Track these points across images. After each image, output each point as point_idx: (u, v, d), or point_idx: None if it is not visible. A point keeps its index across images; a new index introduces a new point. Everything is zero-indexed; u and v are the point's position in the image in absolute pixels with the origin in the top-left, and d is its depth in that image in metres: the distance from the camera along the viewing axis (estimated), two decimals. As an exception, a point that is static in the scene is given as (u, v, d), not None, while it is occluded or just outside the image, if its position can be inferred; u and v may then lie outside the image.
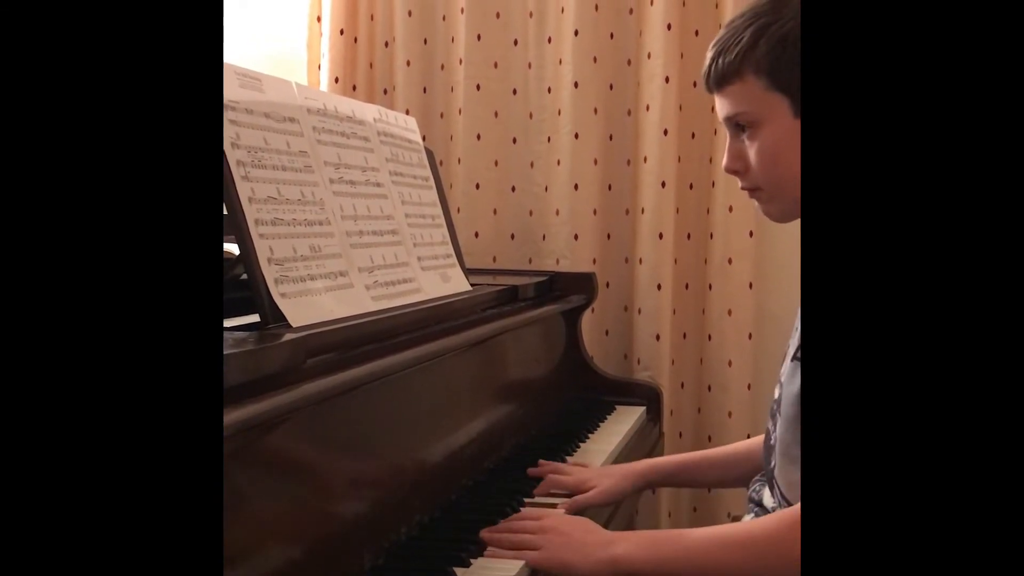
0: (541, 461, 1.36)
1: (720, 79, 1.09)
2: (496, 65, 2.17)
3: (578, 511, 1.24)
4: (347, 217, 1.19)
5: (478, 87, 2.16)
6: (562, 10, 2.11)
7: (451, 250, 1.51)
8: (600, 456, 1.50)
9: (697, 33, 2.08)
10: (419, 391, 1.19)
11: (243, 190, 1.01)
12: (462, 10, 2.14)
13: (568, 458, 1.46)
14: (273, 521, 0.87)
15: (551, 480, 1.30)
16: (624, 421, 1.75)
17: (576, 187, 2.11)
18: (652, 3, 2.06)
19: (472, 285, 1.52)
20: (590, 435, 1.61)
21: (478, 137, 2.17)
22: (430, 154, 1.57)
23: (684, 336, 2.15)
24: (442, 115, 2.21)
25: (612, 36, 2.12)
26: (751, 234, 2.08)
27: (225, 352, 0.77)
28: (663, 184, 2.07)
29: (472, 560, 1.02)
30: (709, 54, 1.11)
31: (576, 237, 2.11)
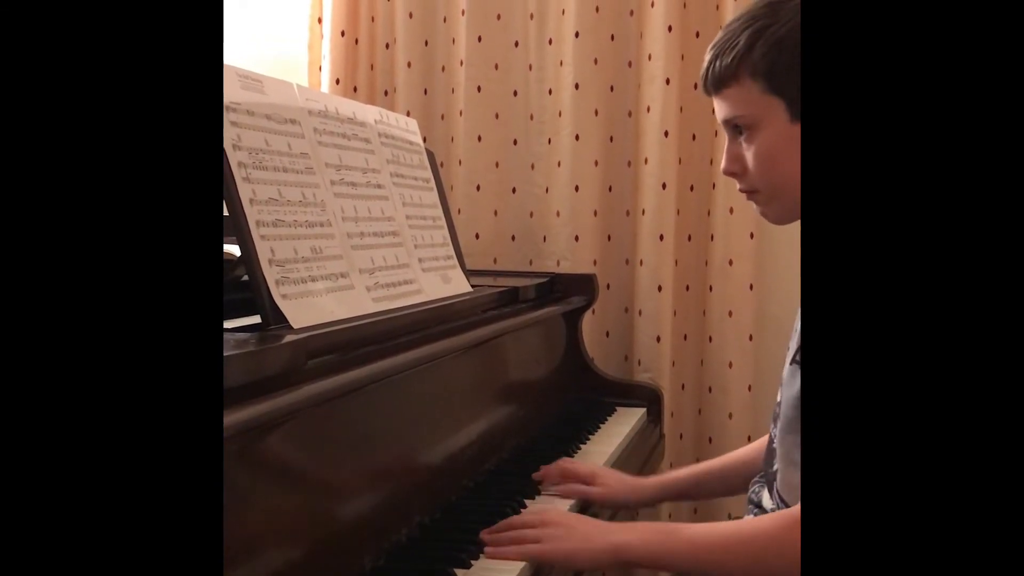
0: (543, 467, 1.35)
1: (717, 82, 1.10)
2: (497, 67, 2.17)
3: (575, 497, 1.25)
4: (348, 218, 1.19)
5: (479, 89, 2.17)
6: (563, 12, 2.11)
7: (452, 251, 1.52)
8: (601, 457, 1.50)
9: (698, 35, 2.08)
10: (420, 392, 1.19)
11: (244, 191, 1.01)
12: (463, 12, 2.15)
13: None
14: (274, 522, 0.88)
15: (562, 467, 1.30)
16: (625, 423, 1.75)
17: (577, 188, 2.11)
18: (653, 5, 2.06)
19: (473, 286, 1.52)
20: (591, 436, 1.61)
21: (479, 138, 2.18)
22: (431, 155, 1.57)
23: (685, 338, 2.15)
24: (443, 116, 2.22)
25: (613, 38, 2.12)
26: (752, 236, 2.08)
27: (226, 353, 0.77)
28: (664, 186, 2.07)
29: (472, 561, 1.02)
30: (707, 57, 1.11)
31: (577, 238, 2.11)
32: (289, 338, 0.92)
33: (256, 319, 1.00)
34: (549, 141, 2.14)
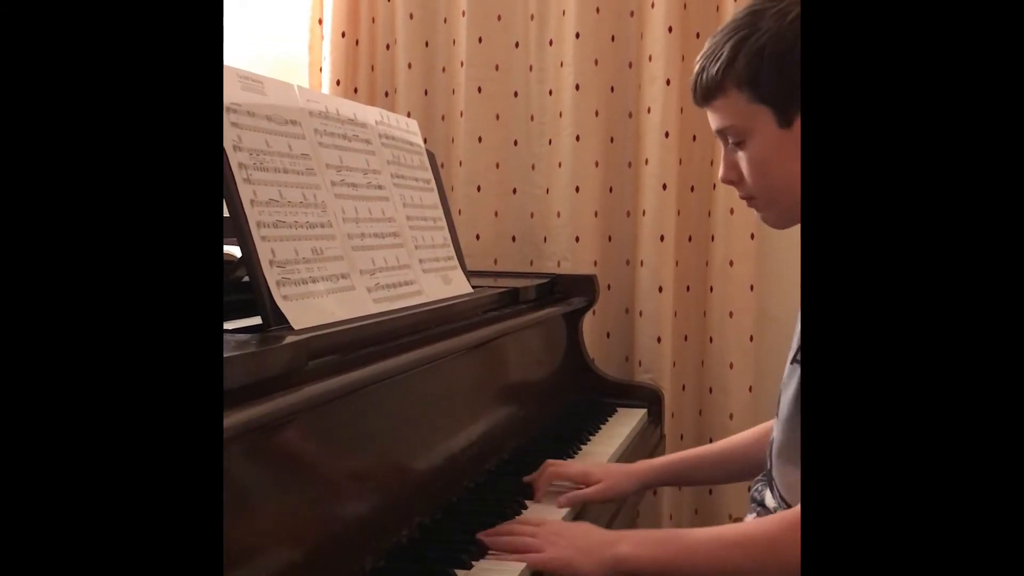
0: (531, 477, 1.35)
1: (705, 94, 1.10)
2: (497, 67, 2.17)
3: (578, 504, 1.25)
4: (349, 219, 1.19)
5: (479, 89, 2.17)
6: (563, 13, 2.11)
7: (452, 252, 1.52)
8: (602, 458, 1.50)
9: (698, 35, 2.08)
10: (420, 393, 1.19)
11: (245, 192, 1.01)
12: (463, 13, 2.15)
13: (569, 460, 1.46)
14: (274, 523, 0.88)
15: (552, 471, 1.30)
16: (625, 423, 1.75)
17: (577, 189, 2.11)
18: (653, 6, 2.06)
19: (473, 287, 1.52)
20: (591, 437, 1.62)
21: (479, 139, 2.18)
22: (431, 156, 1.57)
23: (685, 338, 2.15)
24: (443, 117, 2.22)
25: (613, 39, 2.12)
26: (752, 236, 2.08)
27: (227, 354, 0.77)
28: (664, 186, 2.07)
29: (473, 562, 1.02)
30: (695, 69, 1.12)
31: (577, 239, 2.11)
32: (290, 339, 0.92)
33: (257, 320, 1.00)
34: (550, 142, 2.14)
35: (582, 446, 1.55)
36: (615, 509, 1.34)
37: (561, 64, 2.11)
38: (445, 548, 1.05)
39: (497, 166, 2.19)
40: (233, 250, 1.07)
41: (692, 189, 2.14)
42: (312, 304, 1.05)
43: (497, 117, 2.18)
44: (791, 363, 1.12)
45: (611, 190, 2.15)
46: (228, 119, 1.02)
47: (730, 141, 1.11)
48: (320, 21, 2.22)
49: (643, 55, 2.10)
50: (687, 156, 2.11)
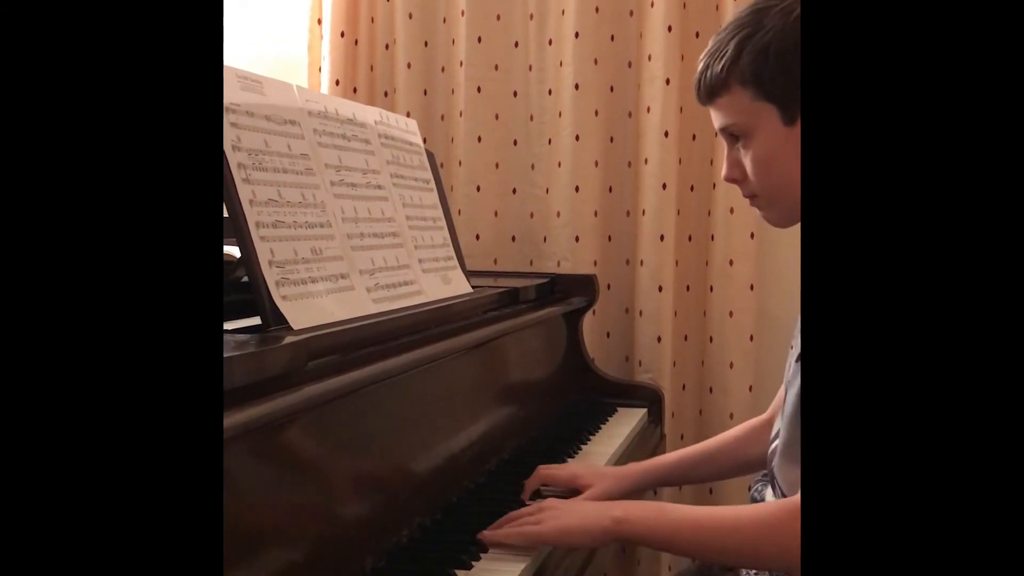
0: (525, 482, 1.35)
1: (709, 92, 1.11)
2: (497, 67, 2.17)
3: None
4: (348, 219, 1.19)
5: (479, 89, 2.17)
6: (563, 12, 2.11)
7: (452, 252, 1.51)
8: (602, 458, 1.50)
9: (698, 35, 2.08)
10: (420, 393, 1.19)
11: (244, 192, 1.01)
12: (463, 12, 2.15)
13: (569, 460, 1.46)
14: (274, 523, 0.87)
15: (542, 473, 1.30)
16: (625, 423, 1.75)
17: (577, 189, 2.10)
18: (652, 5, 2.06)
19: (473, 287, 1.52)
20: (591, 437, 1.61)
21: (479, 139, 2.18)
22: (431, 156, 1.57)
23: (685, 338, 2.15)
24: (443, 117, 2.22)
25: (612, 38, 2.12)
26: (752, 236, 2.08)
27: (227, 355, 0.77)
28: (664, 186, 2.07)
29: (473, 562, 1.02)
30: (698, 67, 1.12)
31: (577, 239, 2.11)
32: (289, 339, 0.92)
33: (256, 320, 1.00)
34: (549, 142, 2.14)
35: (582, 446, 1.55)
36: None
37: (560, 64, 2.11)
38: (445, 548, 1.05)
39: (497, 166, 2.19)
40: (232, 250, 1.07)
41: (692, 188, 2.14)
42: (311, 304, 1.05)
43: (496, 117, 2.18)
44: (796, 361, 1.12)
45: (611, 190, 2.15)
46: (227, 119, 1.02)
47: (734, 139, 1.11)
48: (319, 21, 2.21)
49: (643, 54, 2.10)
50: (687, 155, 2.11)
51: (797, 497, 1.02)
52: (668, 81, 2.05)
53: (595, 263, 2.11)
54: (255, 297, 0.99)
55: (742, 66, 1.06)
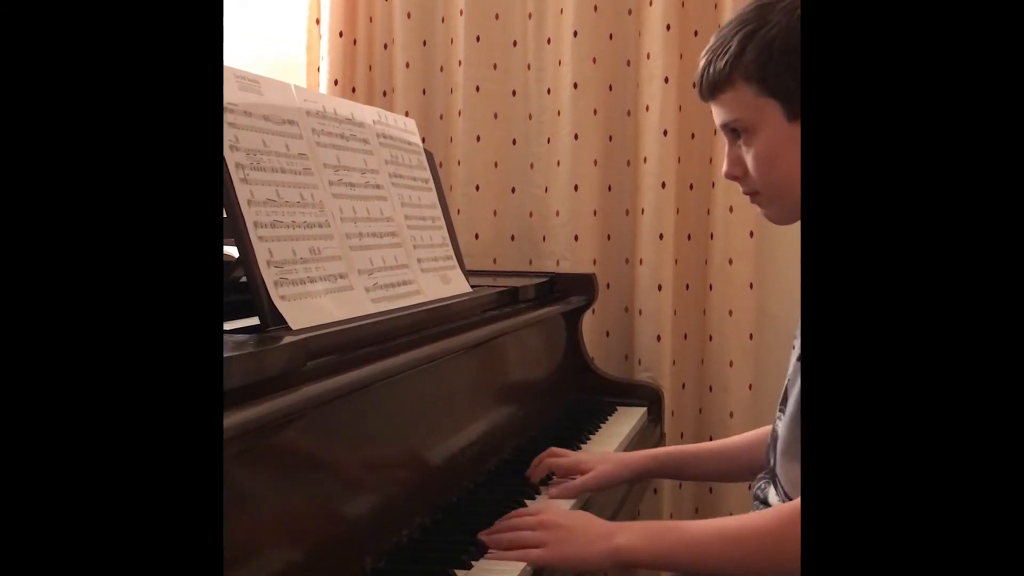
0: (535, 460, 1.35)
1: (712, 88, 1.10)
2: (495, 66, 2.17)
3: (572, 495, 1.25)
4: (347, 219, 1.19)
5: (477, 88, 2.16)
6: (561, 11, 2.11)
7: (451, 252, 1.51)
8: (601, 457, 1.50)
9: (696, 33, 2.08)
10: (419, 393, 1.19)
11: (242, 193, 1.00)
12: (461, 12, 2.14)
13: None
14: (274, 523, 0.87)
15: (546, 462, 1.30)
16: (625, 422, 1.75)
17: (576, 188, 2.10)
18: (651, 4, 2.06)
19: (472, 287, 1.52)
20: (591, 436, 1.61)
21: (478, 139, 2.17)
22: (430, 156, 1.57)
23: (685, 337, 2.15)
24: (441, 117, 2.21)
25: (611, 37, 2.12)
26: (752, 234, 2.08)
27: (225, 355, 0.76)
28: (663, 185, 2.07)
29: (473, 562, 1.02)
30: (700, 63, 1.12)
31: (576, 238, 2.11)
32: (288, 339, 0.92)
33: (255, 320, 1.00)
34: (548, 141, 2.14)
35: (582, 445, 1.55)
36: (615, 508, 1.34)
37: (559, 63, 2.11)
38: (445, 548, 1.05)
39: (496, 165, 2.19)
40: (231, 250, 1.07)
41: (691, 187, 2.13)
42: (310, 304, 1.04)
43: (495, 116, 2.18)
44: (797, 359, 1.12)
45: (610, 189, 2.15)
46: (225, 119, 1.02)
47: (736, 135, 1.11)
48: (318, 21, 2.21)
49: (641, 53, 2.10)
50: (686, 154, 2.11)
51: (793, 504, 1.02)
52: (667, 80, 2.05)
53: (594, 262, 2.11)
54: (253, 297, 0.99)
55: (746, 61, 1.06)
